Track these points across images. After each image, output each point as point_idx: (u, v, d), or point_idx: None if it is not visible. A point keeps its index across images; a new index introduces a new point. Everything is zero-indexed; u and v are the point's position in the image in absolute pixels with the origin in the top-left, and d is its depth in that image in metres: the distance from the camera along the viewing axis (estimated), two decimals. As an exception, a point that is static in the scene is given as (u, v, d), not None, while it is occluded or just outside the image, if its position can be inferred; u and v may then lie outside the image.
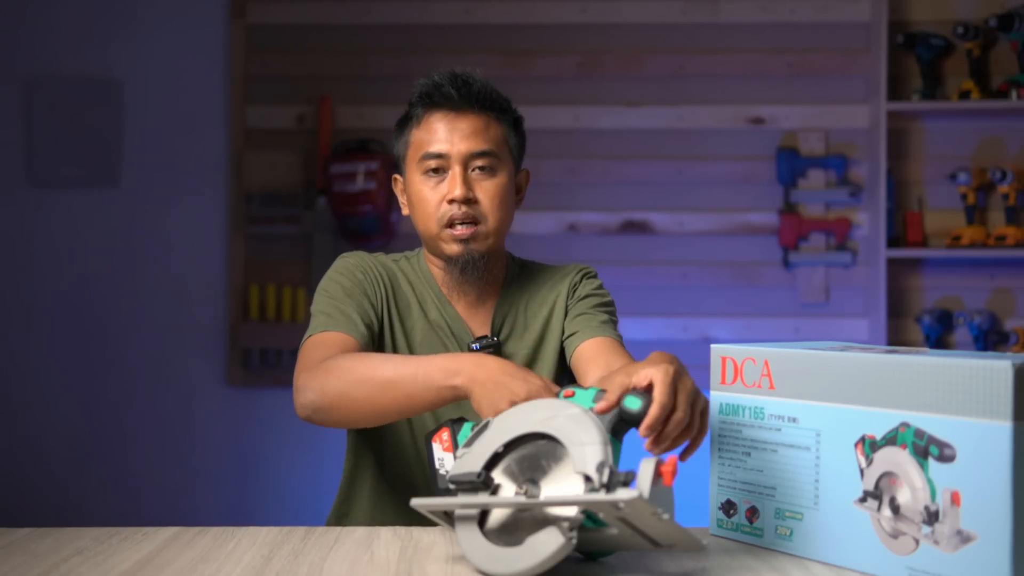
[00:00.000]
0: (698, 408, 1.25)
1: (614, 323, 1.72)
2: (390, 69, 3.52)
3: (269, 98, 3.55)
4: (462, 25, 3.54)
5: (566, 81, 3.54)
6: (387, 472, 1.68)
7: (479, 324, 1.69)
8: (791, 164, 3.47)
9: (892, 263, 3.42)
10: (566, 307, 1.72)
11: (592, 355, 1.63)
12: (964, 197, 3.41)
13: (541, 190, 3.42)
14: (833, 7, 3.51)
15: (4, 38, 3.60)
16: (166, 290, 3.57)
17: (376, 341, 1.63)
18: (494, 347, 1.65)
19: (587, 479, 1.10)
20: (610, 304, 1.74)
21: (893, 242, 3.43)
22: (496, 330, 1.69)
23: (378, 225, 3.41)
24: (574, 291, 1.73)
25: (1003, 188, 3.37)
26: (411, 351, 1.65)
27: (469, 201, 1.61)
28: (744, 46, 3.52)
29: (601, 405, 1.20)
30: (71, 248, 3.57)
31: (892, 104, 3.39)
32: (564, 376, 1.72)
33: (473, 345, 1.65)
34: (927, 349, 1.31)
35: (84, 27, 3.58)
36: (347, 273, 1.66)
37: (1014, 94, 3.34)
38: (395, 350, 1.65)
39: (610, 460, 1.11)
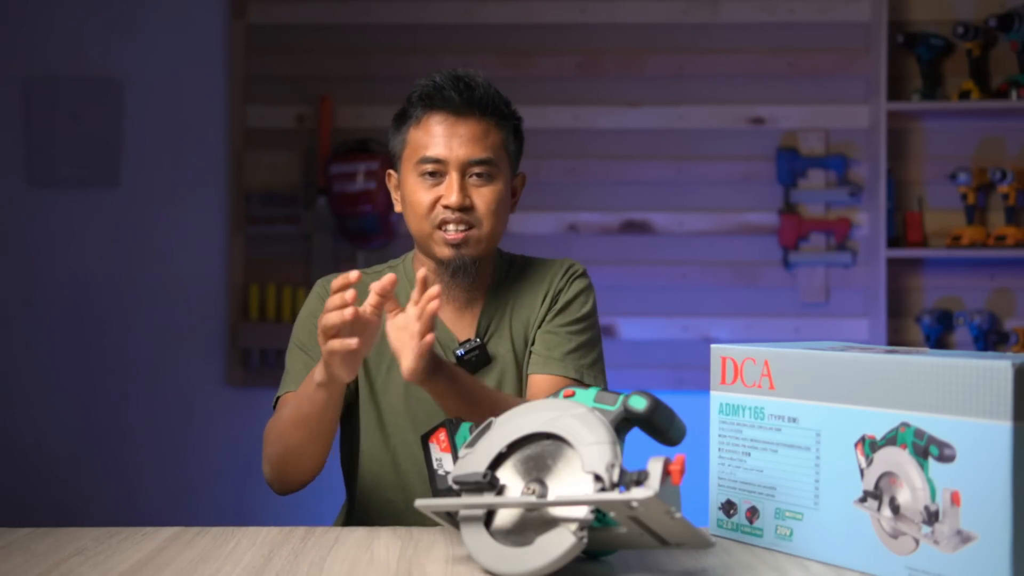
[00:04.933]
0: None
1: (581, 348, 1.65)
2: (390, 69, 3.51)
3: (269, 98, 3.54)
4: (462, 25, 3.54)
5: (566, 81, 3.54)
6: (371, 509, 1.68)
7: (466, 326, 1.67)
8: (791, 164, 3.47)
9: (892, 263, 3.42)
10: (544, 314, 1.68)
11: (539, 395, 1.60)
12: (964, 197, 3.41)
13: (541, 190, 3.42)
14: (833, 7, 3.51)
15: (4, 38, 3.60)
16: (166, 290, 3.56)
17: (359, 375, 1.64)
18: (478, 348, 1.64)
19: (597, 478, 1.10)
20: (585, 319, 1.68)
21: (893, 242, 3.42)
22: (481, 332, 1.67)
23: (378, 225, 3.41)
24: (557, 298, 1.69)
25: (1003, 188, 3.37)
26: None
27: (465, 208, 1.59)
28: (744, 46, 3.52)
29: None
30: (71, 248, 3.57)
31: (892, 104, 3.38)
32: None
33: (458, 351, 1.63)
34: (927, 349, 1.31)
35: (84, 27, 3.58)
36: (315, 313, 1.64)
37: (1014, 94, 3.34)
38: (385, 368, 1.65)
39: (619, 459, 1.11)
